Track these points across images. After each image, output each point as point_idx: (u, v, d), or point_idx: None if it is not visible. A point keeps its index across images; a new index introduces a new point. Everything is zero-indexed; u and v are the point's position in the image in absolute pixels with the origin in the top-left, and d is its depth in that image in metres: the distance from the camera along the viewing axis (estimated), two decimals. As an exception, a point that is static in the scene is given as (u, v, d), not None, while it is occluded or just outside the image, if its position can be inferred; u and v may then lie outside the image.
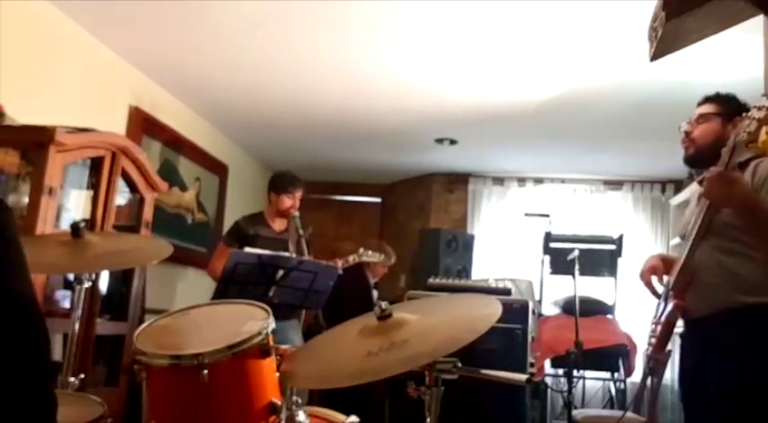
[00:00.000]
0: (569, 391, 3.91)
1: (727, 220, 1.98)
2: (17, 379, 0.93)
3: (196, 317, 1.80)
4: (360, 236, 4.15)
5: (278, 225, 3.92)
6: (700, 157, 2.18)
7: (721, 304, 1.92)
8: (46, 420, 0.97)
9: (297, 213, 3.78)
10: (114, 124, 3.91)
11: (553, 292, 5.18)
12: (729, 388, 1.86)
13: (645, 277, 2.22)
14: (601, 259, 5.22)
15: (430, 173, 6.49)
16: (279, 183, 3.92)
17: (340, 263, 3.74)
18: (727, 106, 2.20)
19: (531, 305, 3.61)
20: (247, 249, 3.40)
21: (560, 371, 4.84)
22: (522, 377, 1.93)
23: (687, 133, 2.22)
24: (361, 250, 3.94)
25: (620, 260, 5.28)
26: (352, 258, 3.87)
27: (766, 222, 1.91)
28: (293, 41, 3.63)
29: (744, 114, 1.99)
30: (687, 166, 2.31)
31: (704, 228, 2.02)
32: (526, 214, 5.27)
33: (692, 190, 2.70)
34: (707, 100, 2.25)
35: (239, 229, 3.88)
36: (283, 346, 1.76)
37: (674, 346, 2.23)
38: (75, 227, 2.09)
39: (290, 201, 3.85)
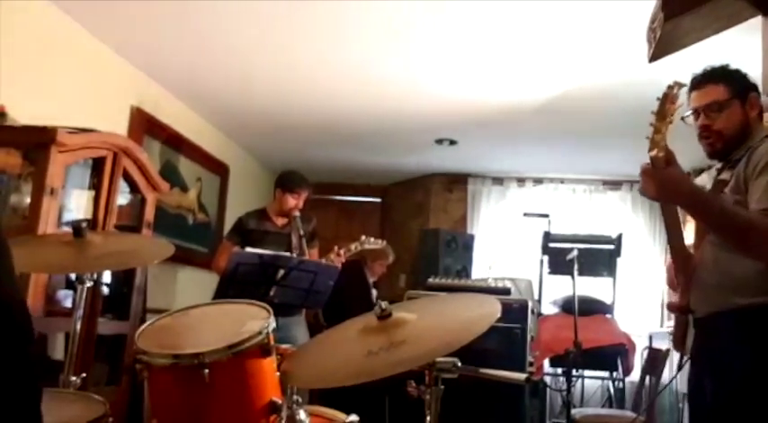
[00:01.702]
0: (568, 390, 3.91)
1: None
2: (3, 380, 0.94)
3: (197, 316, 1.81)
4: (360, 236, 4.13)
5: (280, 220, 3.92)
6: (728, 149, 1.96)
7: (717, 306, 1.89)
8: (30, 419, 0.98)
9: (297, 213, 3.79)
10: (116, 124, 3.92)
11: (552, 291, 5.19)
12: (719, 389, 1.85)
13: (671, 271, 2.08)
14: (600, 259, 5.23)
15: (430, 173, 6.50)
16: (286, 181, 3.91)
17: (342, 251, 3.72)
18: (737, 84, 1.99)
19: (530, 305, 3.61)
20: (248, 249, 3.40)
21: (559, 370, 4.86)
22: (522, 376, 1.94)
23: (707, 127, 1.97)
24: (363, 238, 3.90)
25: (618, 260, 5.29)
26: (354, 246, 3.84)
27: (710, 217, 1.79)
28: (294, 43, 3.63)
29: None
30: (711, 160, 2.09)
31: (673, 224, 1.97)
32: (525, 214, 5.29)
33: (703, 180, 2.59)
34: (711, 81, 1.99)
35: (242, 224, 3.88)
36: (284, 346, 1.78)
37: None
38: (76, 227, 2.09)
39: (294, 201, 3.84)
